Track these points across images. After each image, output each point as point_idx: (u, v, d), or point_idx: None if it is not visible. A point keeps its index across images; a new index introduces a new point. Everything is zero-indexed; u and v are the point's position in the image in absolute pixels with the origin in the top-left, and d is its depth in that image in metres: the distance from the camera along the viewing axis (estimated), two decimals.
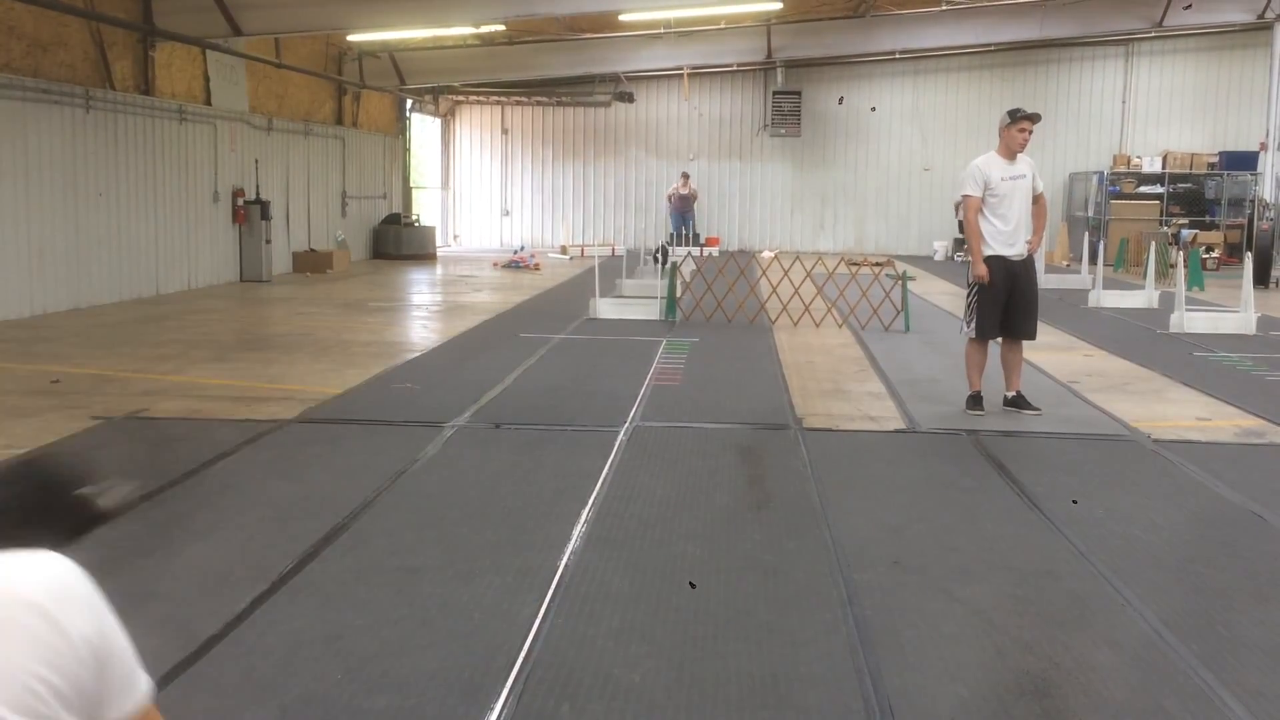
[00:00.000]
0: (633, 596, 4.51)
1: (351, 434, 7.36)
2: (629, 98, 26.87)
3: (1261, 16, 21.19)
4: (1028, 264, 8.24)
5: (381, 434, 7.38)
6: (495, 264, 22.56)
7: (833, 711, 3.57)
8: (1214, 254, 21.97)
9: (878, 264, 18.21)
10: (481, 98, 27.46)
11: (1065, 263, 23.73)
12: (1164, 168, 24.98)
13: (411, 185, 26.80)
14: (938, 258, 25.27)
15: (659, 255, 16.85)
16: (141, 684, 1.29)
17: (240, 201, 17.81)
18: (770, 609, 4.41)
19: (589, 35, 23.61)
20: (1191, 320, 12.82)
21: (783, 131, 26.40)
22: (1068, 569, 4.93)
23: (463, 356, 10.78)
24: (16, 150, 12.72)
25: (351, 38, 20.95)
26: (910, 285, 13.51)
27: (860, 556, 5.01)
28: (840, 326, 13.18)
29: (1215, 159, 25.05)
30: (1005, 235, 8.08)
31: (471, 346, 11.48)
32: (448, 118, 28.51)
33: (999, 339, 8.34)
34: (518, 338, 11.86)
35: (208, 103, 17.17)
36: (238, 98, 18.14)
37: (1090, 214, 24.58)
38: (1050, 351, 10.83)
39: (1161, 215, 24.25)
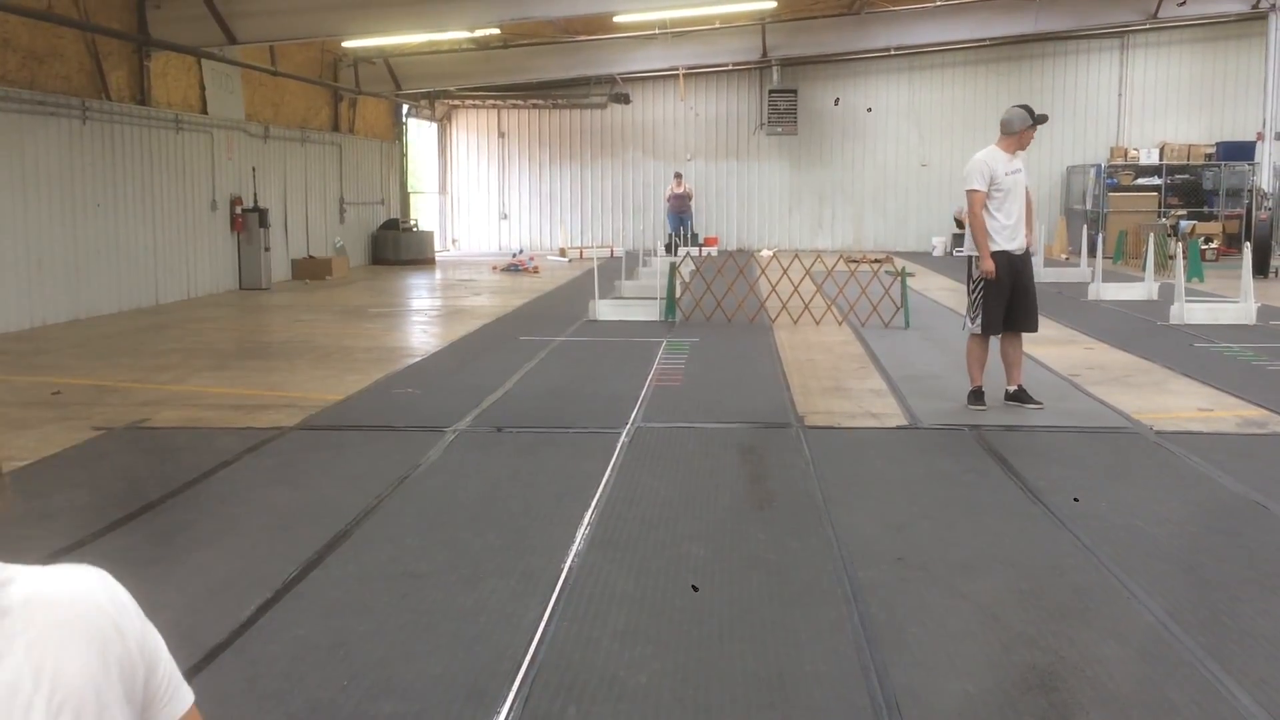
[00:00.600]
0: (637, 598, 4.51)
1: (353, 440, 7.35)
2: (625, 99, 26.87)
3: (1256, 6, 21.15)
4: (1026, 258, 8.25)
5: (383, 440, 7.38)
6: (494, 267, 22.55)
7: (840, 709, 3.57)
8: (1213, 245, 21.95)
9: (876, 261, 18.21)
10: (478, 102, 27.45)
11: (1064, 256, 23.75)
12: (1161, 159, 24.97)
13: (409, 190, 26.78)
14: (936, 253, 25.27)
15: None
16: (186, 690, 1.33)
17: (238, 209, 17.80)
18: (775, 608, 4.40)
19: (584, 37, 23.62)
20: (1191, 311, 12.80)
21: (779, 130, 26.41)
22: (1072, 563, 4.92)
23: (463, 361, 10.78)
24: (14, 162, 12.71)
25: (347, 44, 20.96)
26: (909, 281, 13.51)
27: (864, 554, 5.00)
28: (840, 324, 13.18)
29: (1212, 150, 25.05)
30: (1009, 230, 8.07)
31: (472, 350, 11.48)
32: (444, 122, 28.50)
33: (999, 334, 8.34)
34: (518, 341, 11.86)
35: (204, 112, 17.16)
36: (234, 106, 18.14)
37: (1088, 207, 24.56)
38: (1051, 345, 10.82)
39: (1159, 207, 24.27)
